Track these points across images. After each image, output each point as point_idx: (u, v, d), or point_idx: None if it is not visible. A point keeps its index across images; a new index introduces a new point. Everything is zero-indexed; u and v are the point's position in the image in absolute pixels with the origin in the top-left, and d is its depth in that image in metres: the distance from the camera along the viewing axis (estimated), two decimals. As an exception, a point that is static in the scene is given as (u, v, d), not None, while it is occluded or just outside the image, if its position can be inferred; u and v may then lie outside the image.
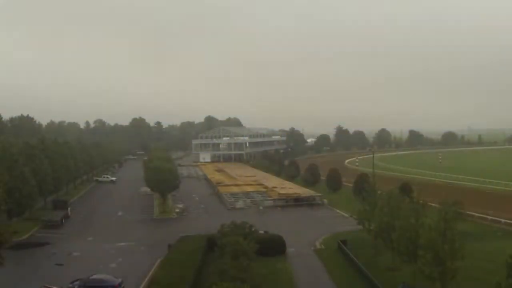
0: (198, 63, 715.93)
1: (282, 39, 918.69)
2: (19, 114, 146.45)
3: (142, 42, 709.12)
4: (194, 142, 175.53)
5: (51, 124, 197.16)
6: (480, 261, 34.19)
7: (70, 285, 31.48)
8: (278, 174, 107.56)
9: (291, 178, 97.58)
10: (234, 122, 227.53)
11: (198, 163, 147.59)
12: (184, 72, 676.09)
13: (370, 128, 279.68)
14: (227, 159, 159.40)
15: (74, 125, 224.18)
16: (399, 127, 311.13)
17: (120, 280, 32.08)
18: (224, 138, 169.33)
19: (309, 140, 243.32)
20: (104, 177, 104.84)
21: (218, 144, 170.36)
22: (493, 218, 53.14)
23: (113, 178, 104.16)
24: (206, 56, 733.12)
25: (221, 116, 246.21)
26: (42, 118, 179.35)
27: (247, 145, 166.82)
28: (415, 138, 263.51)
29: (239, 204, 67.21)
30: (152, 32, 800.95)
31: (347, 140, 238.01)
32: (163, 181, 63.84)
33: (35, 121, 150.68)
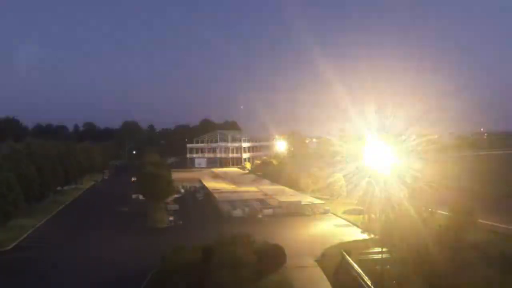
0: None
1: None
2: (4, 116, 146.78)
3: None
4: (189, 146, 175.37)
5: (38, 127, 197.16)
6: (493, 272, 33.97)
7: None
8: (278, 180, 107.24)
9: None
10: (232, 125, 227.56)
11: (194, 169, 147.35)
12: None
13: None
14: (224, 164, 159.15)
15: (62, 128, 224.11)
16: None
17: None
18: (221, 143, 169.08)
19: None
20: (93, 182, 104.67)
21: (215, 149, 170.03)
22: (507, 227, 52.90)
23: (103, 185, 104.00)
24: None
25: (217, 119, 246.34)
26: (29, 121, 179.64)
27: (246, 149, 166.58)
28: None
29: (237, 212, 67.01)
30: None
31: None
32: (156, 187, 63.59)
33: (21, 124, 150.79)
